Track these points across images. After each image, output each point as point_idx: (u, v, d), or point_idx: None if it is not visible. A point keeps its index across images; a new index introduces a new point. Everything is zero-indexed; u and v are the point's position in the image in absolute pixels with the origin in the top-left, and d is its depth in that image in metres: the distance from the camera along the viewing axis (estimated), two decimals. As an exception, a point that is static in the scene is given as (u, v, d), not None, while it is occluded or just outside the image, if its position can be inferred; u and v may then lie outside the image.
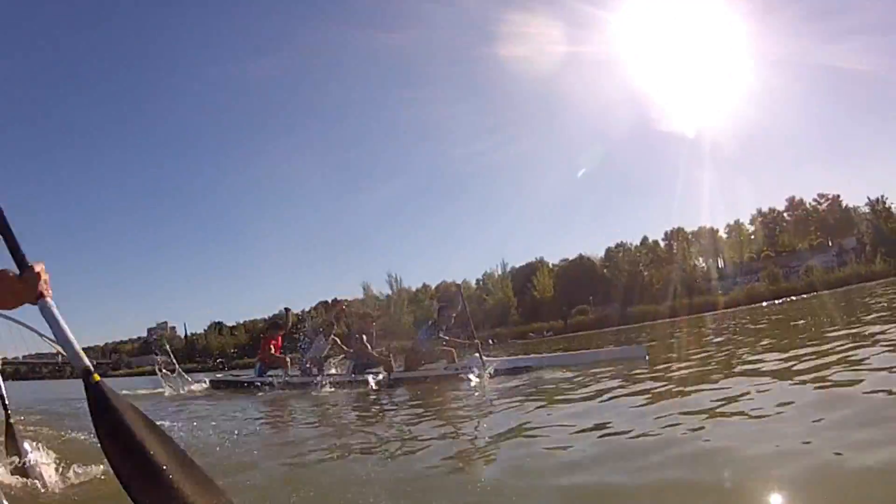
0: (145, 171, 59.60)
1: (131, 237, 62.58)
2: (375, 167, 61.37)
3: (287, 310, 12.04)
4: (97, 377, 1.35)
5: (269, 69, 53.20)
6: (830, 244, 37.98)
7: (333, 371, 9.39)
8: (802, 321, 9.99)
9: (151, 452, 1.21)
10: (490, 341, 9.21)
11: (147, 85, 59.27)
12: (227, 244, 60.49)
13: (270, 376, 9.95)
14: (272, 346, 10.63)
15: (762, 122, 50.17)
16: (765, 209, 41.07)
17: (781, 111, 44.99)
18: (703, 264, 41.91)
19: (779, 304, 28.36)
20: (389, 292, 43.20)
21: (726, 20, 37.23)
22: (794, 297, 30.89)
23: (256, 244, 59.37)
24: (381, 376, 8.15)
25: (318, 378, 8.76)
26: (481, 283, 45.37)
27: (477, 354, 7.84)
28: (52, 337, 1.39)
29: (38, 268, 1.46)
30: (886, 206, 35.36)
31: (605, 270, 43.20)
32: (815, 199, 39.65)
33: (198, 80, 56.45)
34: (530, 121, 55.44)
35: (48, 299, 1.45)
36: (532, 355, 9.77)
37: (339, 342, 9.76)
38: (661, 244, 43.58)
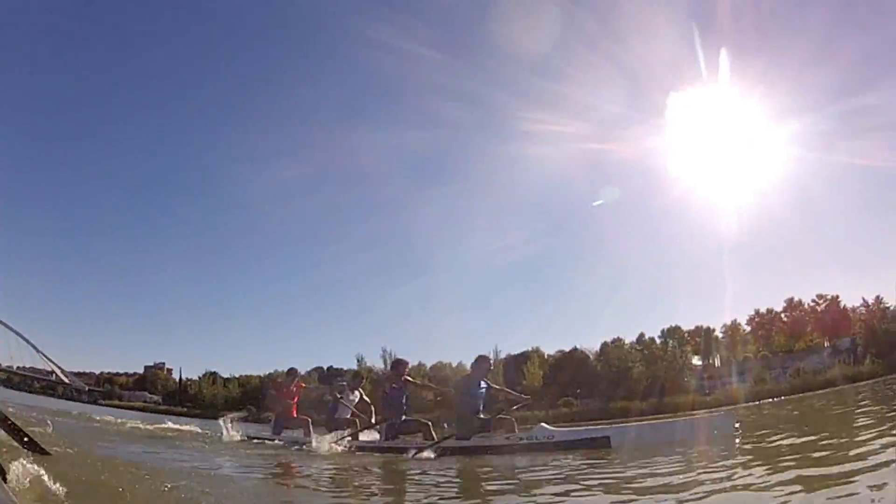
0: (177, 234, 63.39)
1: (143, 274, 64.03)
2: (396, 263, 64.52)
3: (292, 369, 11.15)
4: None
5: (291, 171, 58.24)
6: (827, 344, 36.11)
7: (364, 437, 8.44)
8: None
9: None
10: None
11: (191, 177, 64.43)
12: (233, 300, 62.58)
13: (290, 435, 9.26)
14: (293, 404, 9.88)
15: (771, 222, 49.90)
16: (762, 310, 40.01)
17: (790, 212, 44.86)
18: (699, 363, 40.65)
19: (753, 406, 27.50)
20: (382, 367, 44.03)
21: (744, 118, 37.14)
22: (774, 399, 29.75)
23: (261, 306, 62.24)
24: (425, 450, 6.89)
25: (349, 442, 8.08)
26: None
27: (544, 424, 6.91)
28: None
29: None
30: (881, 306, 33.81)
31: (597, 364, 42.68)
32: (813, 300, 38.33)
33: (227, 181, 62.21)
34: (548, 221, 57.56)
35: None
36: (606, 425, 8.85)
37: (364, 396, 9.21)
38: (657, 341, 42.78)
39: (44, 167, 60.39)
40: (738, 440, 5.67)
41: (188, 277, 62.20)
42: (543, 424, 6.84)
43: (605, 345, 44.08)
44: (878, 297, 34.65)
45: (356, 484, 4.92)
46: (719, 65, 34.30)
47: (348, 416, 8.91)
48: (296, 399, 9.98)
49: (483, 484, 4.46)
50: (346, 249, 61.77)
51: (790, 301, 39.43)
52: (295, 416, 9.71)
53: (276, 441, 9.11)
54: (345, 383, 9.67)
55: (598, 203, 44.92)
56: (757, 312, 40.27)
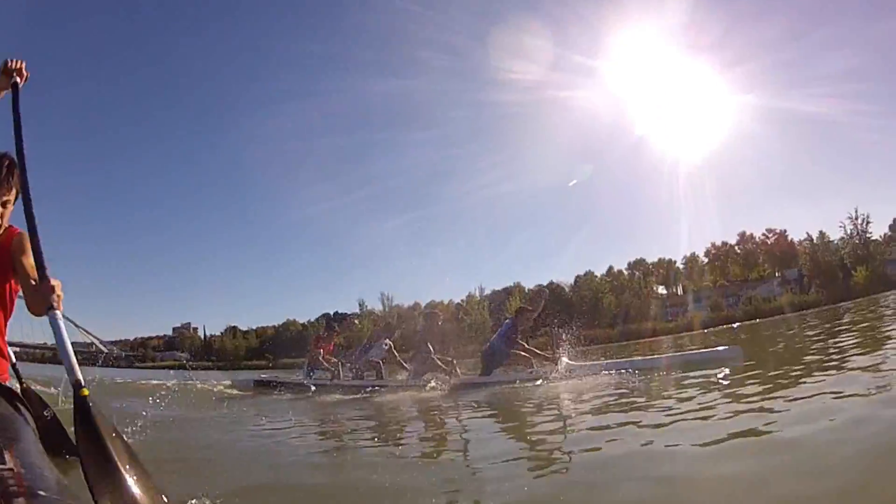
0: (192, 194, 65.99)
1: (167, 245, 68.51)
2: (390, 202, 66.79)
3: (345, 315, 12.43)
4: (86, 392, 1.47)
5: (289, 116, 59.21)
6: (777, 275, 40.52)
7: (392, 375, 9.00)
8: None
9: (117, 463, 1.35)
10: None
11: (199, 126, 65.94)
12: (249, 257, 67.41)
13: (320, 379, 9.70)
14: (322, 350, 10.49)
15: (726, 162, 53.74)
16: (718, 243, 43.95)
17: (743, 153, 48.34)
18: (664, 291, 44.82)
19: (710, 330, 31.29)
20: (381, 308, 46.64)
21: (697, 70, 40.60)
22: (733, 325, 33.71)
23: (273, 260, 65.46)
24: (448, 380, 7.44)
25: (378, 381, 8.55)
26: (463, 304, 48.79)
27: (565, 359, 7.13)
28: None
29: (54, 282, 1.62)
30: (825, 240, 37.97)
31: (571, 295, 46.28)
32: (763, 234, 42.39)
33: (234, 126, 62.78)
34: (523, 158, 59.64)
35: (57, 312, 1.61)
36: (617, 360, 8.85)
37: (394, 349, 9.52)
38: (625, 273, 46.53)
39: (65, 137, 59.20)
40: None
41: (206, 239, 65.08)
42: (565, 359, 7.09)
43: (578, 277, 47.78)
44: (821, 231, 38.82)
45: (384, 414, 5.73)
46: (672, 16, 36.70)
47: (375, 360, 9.36)
48: (331, 348, 10.83)
49: (492, 409, 5.23)
50: (344, 190, 63.86)
51: (742, 234, 43.50)
52: (328, 358, 10.41)
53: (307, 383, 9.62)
54: (382, 334, 10.34)
55: (573, 183, 47.85)
56: (713, 245, 44.27)
